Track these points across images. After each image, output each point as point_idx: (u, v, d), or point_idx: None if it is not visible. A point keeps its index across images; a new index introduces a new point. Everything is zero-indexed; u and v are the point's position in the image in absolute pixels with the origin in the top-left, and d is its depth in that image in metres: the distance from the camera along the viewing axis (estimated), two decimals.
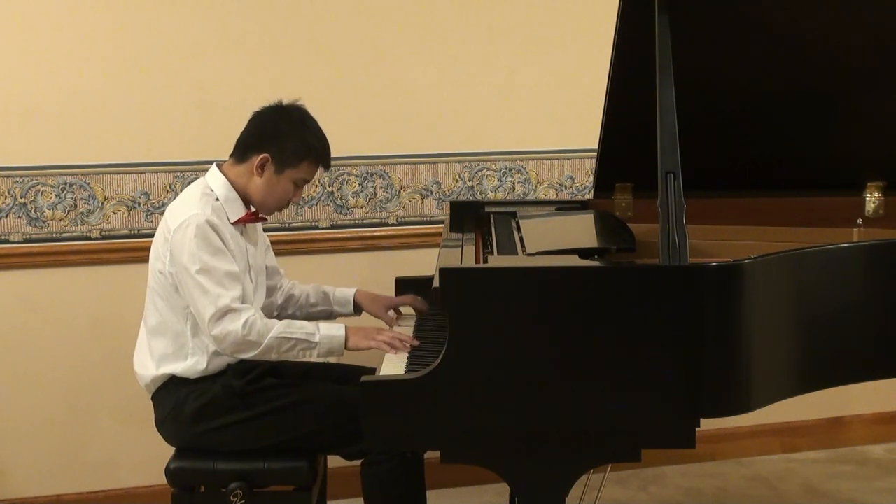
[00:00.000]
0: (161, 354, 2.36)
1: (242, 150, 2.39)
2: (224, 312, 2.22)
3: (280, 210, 2.46)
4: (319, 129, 2.41)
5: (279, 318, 2.61)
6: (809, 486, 3.30)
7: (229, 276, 2.25)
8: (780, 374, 2.00)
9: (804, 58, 2.39)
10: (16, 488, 3.04)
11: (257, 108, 2.44)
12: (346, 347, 2.31)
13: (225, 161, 2.44)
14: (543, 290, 1.89)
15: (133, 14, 2.94)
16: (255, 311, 2.29)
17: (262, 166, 2.35)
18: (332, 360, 2.99)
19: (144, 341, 2.41)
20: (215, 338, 2.24)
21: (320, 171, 2.45)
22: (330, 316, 2.66)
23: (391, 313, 2.61)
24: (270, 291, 2.60)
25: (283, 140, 2.35)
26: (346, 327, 2.33)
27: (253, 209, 2.41)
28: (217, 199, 2.35)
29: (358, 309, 2.64)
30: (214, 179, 2.38)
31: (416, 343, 2.25)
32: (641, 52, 2.12)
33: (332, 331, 2.31)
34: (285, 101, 2.42)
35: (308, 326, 2.30)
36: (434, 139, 3.20)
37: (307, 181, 2.44)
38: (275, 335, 2.25)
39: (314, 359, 2.32)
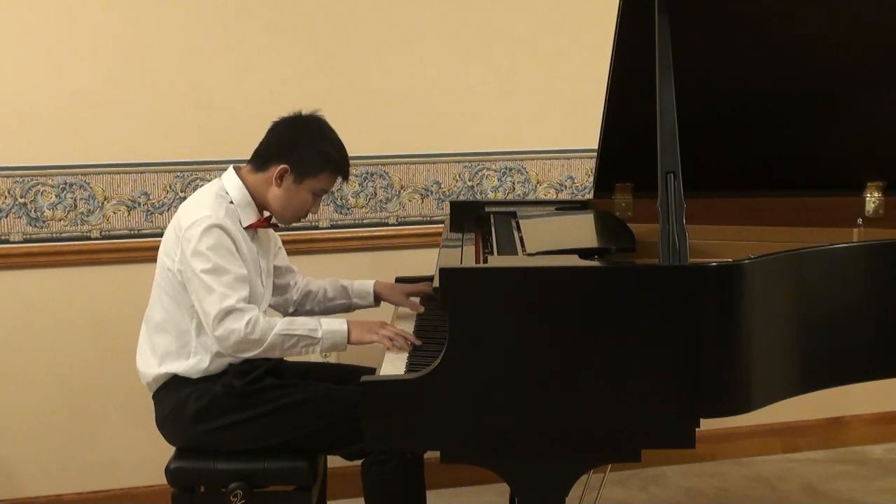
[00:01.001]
0: (164, 351, 2.36)
1: (262, 159, 2.40)
2: (228, 312, 2.22)
3: (298, 220, 2.47)
4: (338, 140, 2.41)
5: (296, 314, 2.64)
6: (809, 486, 3.30)
7: (238, 279, 2.26)
8: (781, 374, 2.00)
9: (804, 58, 2.39)
10: (16, 488, 3.04)
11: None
12: (349, 342, 2.31)
13: (241, 164, 2.44)
14: (543, 290, 1.89)
15: (133, 14, 2.94)
16: (259, 311, 2.29)
17: (281, 177, 2.36)
18: (333, 360, 3.00)
19: (146, 338, 2.41)
20: (218, 337, 2.24)
21: (339, 180, 2.45)
22: (348, 309, 2.68)
23: (412, 300, 2.61)
24: (283, 289, 2.61)
25: (302, 151, 2.36)
26: (347, 321, 2.33)
27: (266, 214, 2.42)
28: (231, 203, 2.35)
29: (377, 300, 2.65)
30: (230, 182, 2.39)
31: (417, 342, 2.25)
32: (641, 51, 2.12)
33: (334, 326, 2.31)
34: (304, 112, 2.42)
35: (310, 322, 2.30)
36: (434, 139, 3.20)
37: (326, 191, 2.45)
38: (277, 332, 2.25)
39: (317, 354, 2.32)
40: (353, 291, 2.65)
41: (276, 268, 2.58)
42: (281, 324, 2.27)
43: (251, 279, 2.33)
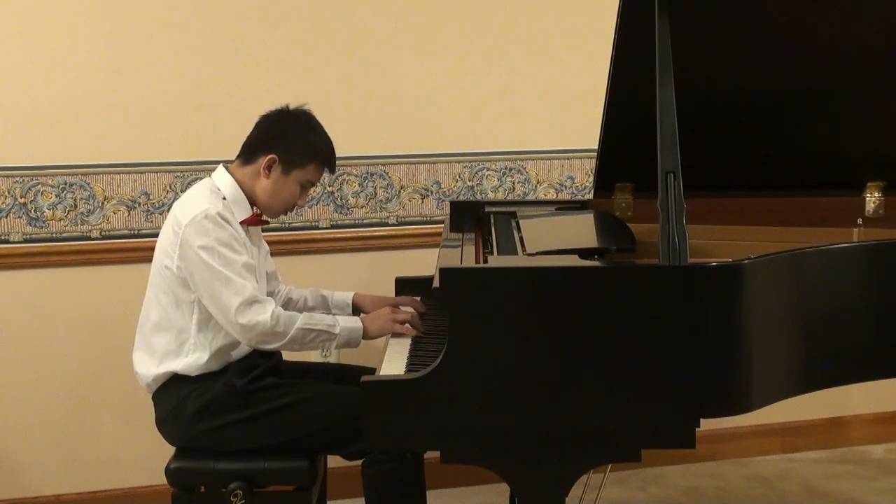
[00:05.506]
0: (163, 351, 2.36)
1: (249, 152, 2.41)
2: (251, 302, 2.25)
3: (285, 213, 2.48)
4: (325, 132, 2.43)
5: None
6: (809, 486, 3.30)
7: (246, 266, 2.28)
8: (781, 373, 2.00)
9: (805, 58, 2.39)
10: (16, 488, 3.04)
11: (257, 109, 2.44)
12: (367, 337, 2.37)
13: (230, 162, 2.44)
14: (543, 290, 1.89)
15: (133, 14, 2.94)
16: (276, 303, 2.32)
17: (269, 167, 2.37)
18: (332, 359, 3.00)
19: (143, 339, 2.41)
20: (243, 327, 2.25)
21: (325, 174, 2.46)
22: None
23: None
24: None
25: (290, 141, 2.37)
26: (361, 318, 2.38)
27: (257, 211, 2.42)
28: (224, 199, 2.36)
29: (356, 311, 2.65)
30: (221, 179, 2.39)
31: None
32: (641, 52, 2.12)
33: (349, 322, 2.37)
34: (291, 106, 2.43)
35: (328, 318, 2.35)
36: (434, 139, 3.21)
37: (313, 184, 2.46)
38: (299, 326, 2.29)
39: (332, 349, 2.35)
40: (332, 302, 2.66)
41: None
42: (302, 318, 2.31)
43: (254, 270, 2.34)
